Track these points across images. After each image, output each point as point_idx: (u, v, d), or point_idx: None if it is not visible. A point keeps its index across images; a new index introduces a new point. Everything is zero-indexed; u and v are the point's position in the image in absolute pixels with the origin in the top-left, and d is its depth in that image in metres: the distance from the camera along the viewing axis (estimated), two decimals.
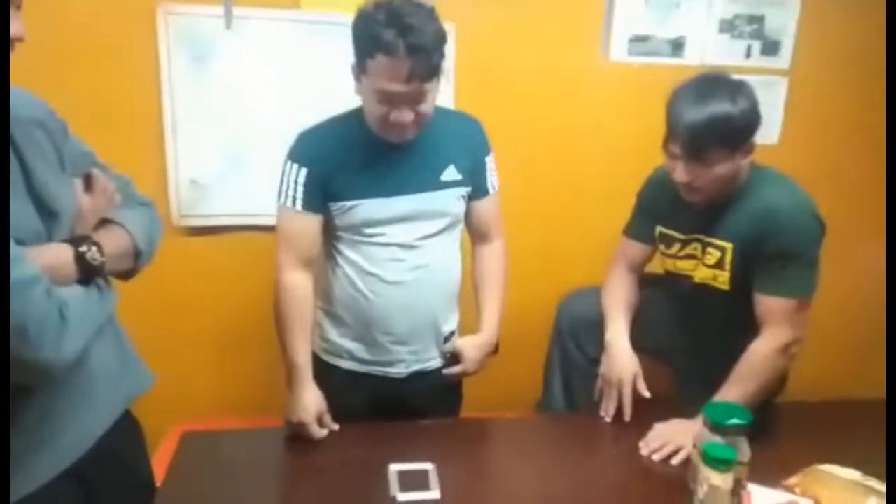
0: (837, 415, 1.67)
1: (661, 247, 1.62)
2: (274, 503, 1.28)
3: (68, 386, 0.98)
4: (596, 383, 1.64)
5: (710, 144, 1.35)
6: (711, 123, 1.34)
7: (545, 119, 2.10)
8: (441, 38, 1.31)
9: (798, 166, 1.77)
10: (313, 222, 1.46)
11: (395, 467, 1.32)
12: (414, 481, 1.30)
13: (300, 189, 1.42)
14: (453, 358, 1.61)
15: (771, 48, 2.14)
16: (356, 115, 1.44)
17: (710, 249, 1.50)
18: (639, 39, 2.06)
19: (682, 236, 1.55)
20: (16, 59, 1.76)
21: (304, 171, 1.42)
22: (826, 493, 1.25)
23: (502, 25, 2.01)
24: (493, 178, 1.58)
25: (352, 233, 1.47)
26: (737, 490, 1.20)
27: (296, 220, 1.45)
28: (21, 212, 0.91)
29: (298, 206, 1.43)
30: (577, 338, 1.72)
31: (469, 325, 1.65)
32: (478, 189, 1.55)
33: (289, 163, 1.44)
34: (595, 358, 1.67)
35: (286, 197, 1.44)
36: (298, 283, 1.47)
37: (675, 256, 1.59)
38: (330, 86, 1.91)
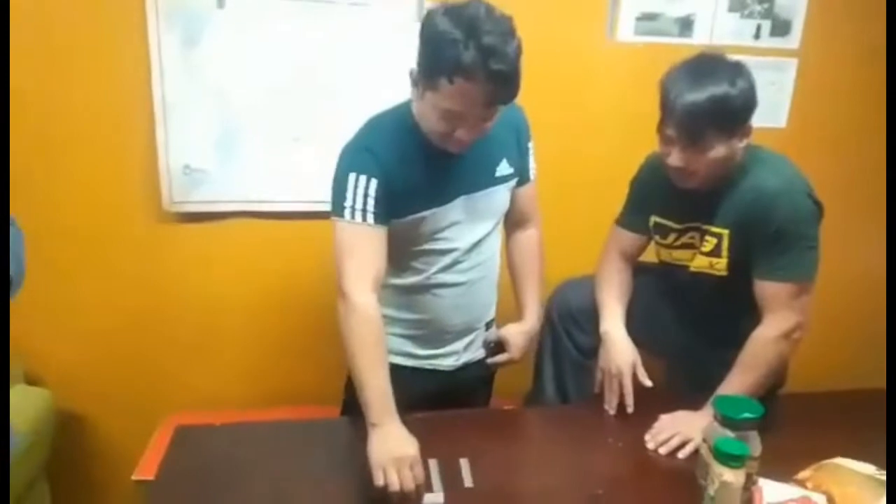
0: (845, 405, 1.64)
1: (657, 237, 1.58)
2: (269, 501, 1.23)
3: None
4: (590, 376, 1.60)
5: (708, 127, 1.31)
6: (710, 105, 1.29)
7: (546, 102, 2.03)
8: (520, 55, 1.19)
9: (806, 150, 1.73)
10: (384, 236, 1.34)
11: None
12: None
13: (371, 201, 1.30)
14: (498, 347, 1.58)
15: (781, 28, 2.08)
16: (406, 118, 1.33)
17: (706, 237, 1.46)
18: (646, 18, 1.99)
19: (677, 225, 1.51)
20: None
21: (373, 181, 1.30)
22: (839, 488, 1.21)
23: (501, 4, 1.94)
24: (533, 164, 1.53)
25: (411, 243, 1.40)
26: (748, 485, 1.17)
27: (367, 235, 1.31)
28: None
29: (370, 219, 1.30)
30: (568, 329, 1.68)
31: (503, 310, 1.63)
32: (521, 177, 1.50)
33: (353, 175, 1.30)
34: (587, 349, 1.64)
35: (354, 211, 1.30)
36: (375, 309, 1.30)
37: (670, 246, 1.55)
38: (328, 65, 1.87)
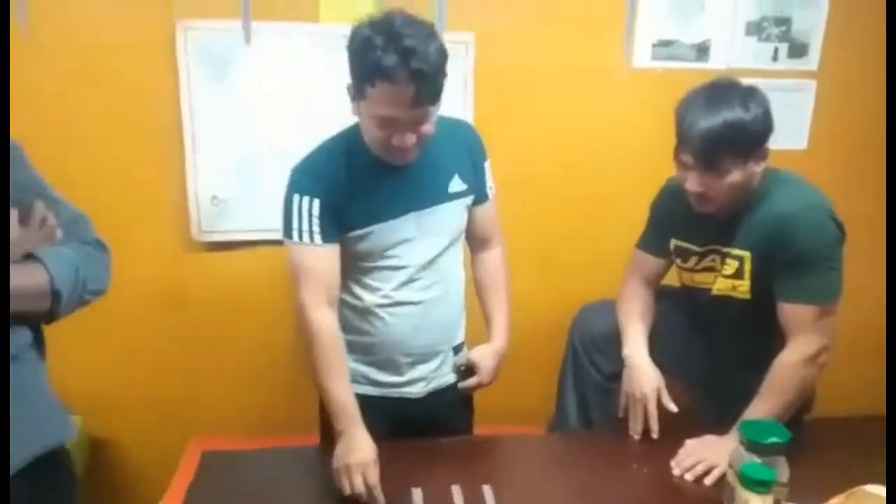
0: (876, 429, 1.59)
1: (678, 260, 1.58)
2: None
3: None
4: (615, 400, 1.60)
5: (724, 153, 1.32)
6: (725, 131, 1.31)
7: (566, 128, 2.07)
8: (443, 56, 1.25)
9: (828, 172, 1.72)
10: (334, 254, 1.39)
11: (418, 492, 1.28)
12: None
13: (315, 222, 1.35)
14: (468, 370, 1.57)
15: (798, 50, 2.09)
16: (355, 136, 1.38)
17: (728, 260, 1.46)
18: (662, 44, 2.02)
19: (698, 248, 1.51)
20: (37, 75, 1.77)
21: (316, 202, 1.35)
22: None
23: (521, 33, 1.99)
24: (490, 183, 1.55)
25: (363, 259, 1.42)
26: None
27: (317, 255, 1.37)
28: None
29: (318, 240, 1.36)
30: (590, 354, 1.69)
31: (473, 333, 1.62)
32: (478, 196, 1.52)
33: (296, 197, 1.37)
34: (610, 374, 1.63)
35: (301, 233, 1.36)
36: (331, 322, 1.38)
37: (692, 270, 1.55)
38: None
